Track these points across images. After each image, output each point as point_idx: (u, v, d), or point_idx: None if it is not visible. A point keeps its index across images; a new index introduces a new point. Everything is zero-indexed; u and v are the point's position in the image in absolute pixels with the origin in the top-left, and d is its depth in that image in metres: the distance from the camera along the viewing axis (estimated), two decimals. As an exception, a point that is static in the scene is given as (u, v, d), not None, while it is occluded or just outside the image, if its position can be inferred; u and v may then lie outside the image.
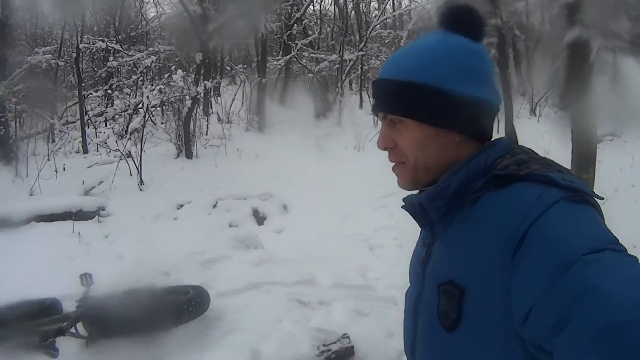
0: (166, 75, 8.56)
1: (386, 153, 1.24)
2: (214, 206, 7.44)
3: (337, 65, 12.23)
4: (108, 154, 8.70)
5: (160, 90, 8.24)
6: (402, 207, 1.24)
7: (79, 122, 9.67)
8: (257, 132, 10.44)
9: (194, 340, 3.96)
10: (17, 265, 5.58)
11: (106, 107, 10.85)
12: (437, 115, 1.12)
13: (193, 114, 8.88)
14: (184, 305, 3.98)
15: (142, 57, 9.34)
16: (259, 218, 7.48)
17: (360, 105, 12.43)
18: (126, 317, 3.90)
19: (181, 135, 8.69)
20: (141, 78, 9.63)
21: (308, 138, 9.91)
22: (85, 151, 9.23)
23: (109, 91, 10.46)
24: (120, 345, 3.88)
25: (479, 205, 1.06)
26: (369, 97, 13.29)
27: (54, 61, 9.35)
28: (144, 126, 7.95)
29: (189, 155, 8.74)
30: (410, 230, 5.10)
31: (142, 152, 7.67)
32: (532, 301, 0.90)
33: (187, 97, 8.70)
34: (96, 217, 6.73)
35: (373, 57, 12.38)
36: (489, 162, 1.09)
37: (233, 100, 10.94)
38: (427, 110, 1.12)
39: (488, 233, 1.00)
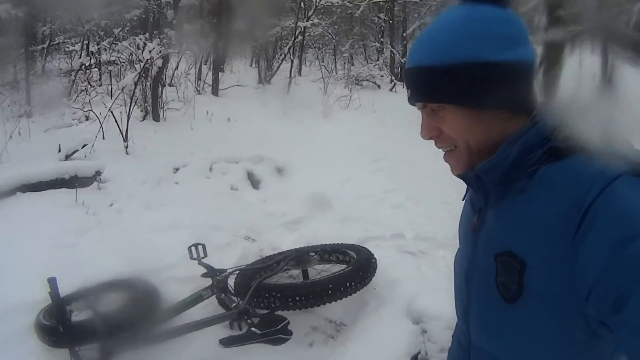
0: (162, 32, 7.66)
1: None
2: (210, 169, 6.85)
3: (278, 33, 11.79)
4: (62, 117, 7.67)
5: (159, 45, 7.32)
6: (457, 176, 1.18)
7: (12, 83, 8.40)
8: (212, 96, 9.76)
9: (364, 295, 3.58)
10: (16, 243, 4.66)
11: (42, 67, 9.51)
12: (476, 96, 1.05)
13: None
14: (370, 263, 3.54)
15: (121, 10, 8.26)
16: (254, 181, 7.02)
17: (299, 72, 12.08)
18: (304, 285, 3.36)
19: (147, 97, 7.86)
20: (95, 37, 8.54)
21: (270, 104, 9.46)
22: (30, 115, 8.02)
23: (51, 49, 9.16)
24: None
25: (538, 177, 1.02)
26: (307, 65, 13.03)
27: (13, 11, 7.95)
28: (136, 84, 7.07)
29: (157, 118, 7.94)
30: (418, 192, 5.20)
31: (131, 112, 6.82)
32: (594, 277, 0.89)
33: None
34: (94, 183, 5.86)
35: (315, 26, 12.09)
36: (546, 133, 1.04)
37: (178, 62, 10.07)
38: (465, 93, 1.06)
39: (550, 207, 0.97)
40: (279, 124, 8.51)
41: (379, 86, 11.42)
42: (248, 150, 7.35)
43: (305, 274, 3.66)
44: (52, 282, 2.87)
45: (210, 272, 3.44)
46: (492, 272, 1.08)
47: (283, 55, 11.49)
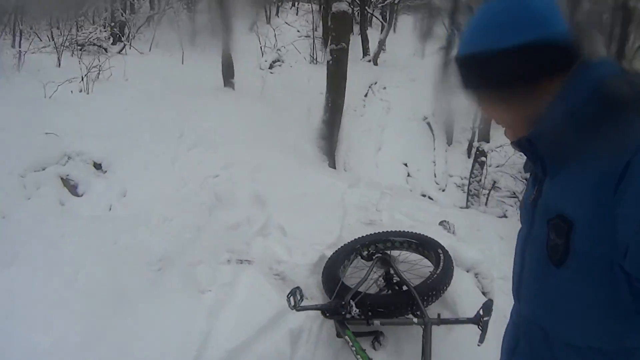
0: None
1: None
2: (24, 186, 5.18)
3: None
4: None
5: None
6: (511, 144, 1.22)
7: None
8: None
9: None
10: None
11: None
12: (495, 79, 1.11)
13: None
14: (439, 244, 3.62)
15: None
16: (70, 187, 5.61)
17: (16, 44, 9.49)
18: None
19: None
20: None
21: (6, 84, 7.41)
22: None
23: None
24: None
25: (590, 140, 1.02)
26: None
27: None
28: None
29: None
30: (247, 166, 5.27)
31: None
32: (631, 232, 0.92)
33: None
34: None
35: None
36: (589, 88, 1.04)
37: None
38: (486, 77, 1.13)
39: (595, 167, 0.99)
40: (39, 109, 6.75)
41: (105, 50, 9.96)
42: (43, 150, 5.76)
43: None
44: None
45: (330, 308, 2.93)
46: (544, 239, 1.11)
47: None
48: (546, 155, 1.11)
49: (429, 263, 3.63)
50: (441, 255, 3.46)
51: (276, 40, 13.07)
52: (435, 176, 11.86)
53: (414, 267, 3.64)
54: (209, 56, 10.18)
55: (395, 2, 14.95)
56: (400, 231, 3.90)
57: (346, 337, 2.84)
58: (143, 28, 11.84)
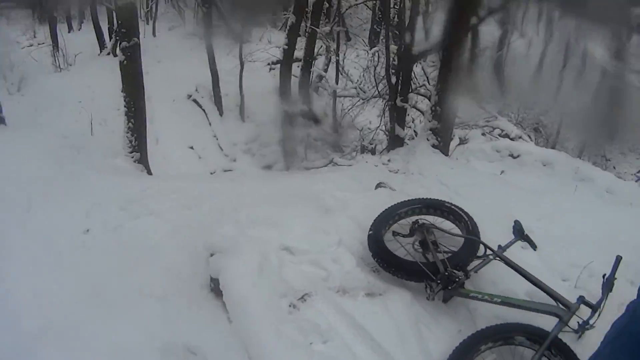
0: None
1: None
2: None
3: None
4: None
5: None
6: None
7: None
8: None
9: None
10: None
11: None
12: None
13: None
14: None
15: None
16: None
17: None
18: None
19: None
20: None
21: None
22: None
23: None
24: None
25: None
26: None
27: None
28: None
29: None
30: None
31: None
32: None
33: None
34: None
35: None
36: None
37: None
38: None
39: None
40: None
41: None
42: None
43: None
44: None
45: (447, 282, 3.27)
46: None
47: None
48: None
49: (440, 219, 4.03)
50: (454, 208, 3.95)
51: (10, 57, 11.57)
52: (222, 149, 11.97)
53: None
54: None
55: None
56: (404, 201, 4.12)
57: (472, 294, 3.24)
58: None
